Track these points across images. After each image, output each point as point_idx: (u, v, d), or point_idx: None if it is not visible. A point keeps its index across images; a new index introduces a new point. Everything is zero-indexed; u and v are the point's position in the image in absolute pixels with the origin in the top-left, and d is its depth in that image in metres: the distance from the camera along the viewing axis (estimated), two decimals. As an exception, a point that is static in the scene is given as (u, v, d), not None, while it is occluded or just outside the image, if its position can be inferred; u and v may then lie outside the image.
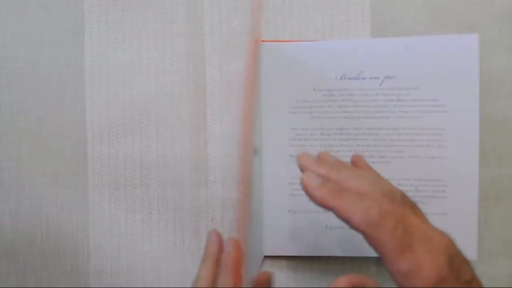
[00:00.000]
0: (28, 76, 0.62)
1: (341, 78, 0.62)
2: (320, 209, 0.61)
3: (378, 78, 0.61)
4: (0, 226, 0.63)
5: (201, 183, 0.62)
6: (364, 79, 0.62)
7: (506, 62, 0.65)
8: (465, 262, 0.43)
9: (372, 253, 0.64)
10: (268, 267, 0.64)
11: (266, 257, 0.63)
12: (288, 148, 0.62)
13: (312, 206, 0.62)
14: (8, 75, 0.63)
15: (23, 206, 0.63)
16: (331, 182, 0.45)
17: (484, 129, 0.65)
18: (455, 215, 0.61)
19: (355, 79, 0.62)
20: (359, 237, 0.63)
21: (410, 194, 0.59)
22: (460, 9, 0.65)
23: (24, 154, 0.63)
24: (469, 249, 0.61)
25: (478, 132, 0.61)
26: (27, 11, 0.63)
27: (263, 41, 0.63)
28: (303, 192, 0.58)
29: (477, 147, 0.61)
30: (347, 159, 0.61)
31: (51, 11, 0.63)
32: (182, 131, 0.62)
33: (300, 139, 0.62)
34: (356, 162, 0.52)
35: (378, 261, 0.64)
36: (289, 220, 0.62)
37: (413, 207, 0.45)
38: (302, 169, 0.48)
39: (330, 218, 0.63)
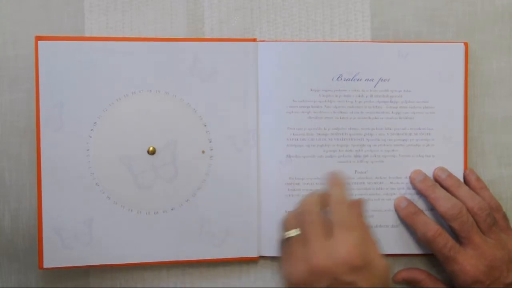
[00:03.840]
0: (28, 76, 0.63)
1: (337, 79, 0.64)
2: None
3: (373, 80, 0.64)
4: (0, 226, 0.63)
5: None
6: (360, 80, 0.64)
7: (506, 62, 0.67)
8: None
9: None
10: (268, 267, 0.65)
11: (264, 257, 0.64)
12: (285, 148, 0.63)
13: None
14: (8, 75, 0.63)
15: (23, 206, 0.64)
16: (413, 206, 0.63)
17: (484, 129, 0.66)
18: None
19: (351, 80, 0.64)
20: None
21: (401, 192, 0.64)
22: (460, 9, 0.66)
23: (24, 154, 0.63)
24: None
25: (463, 132, 0.65)
26: (27, 11, 0.63)
27: (260, 40, 0.64)
28: (300, 193, 0.64)
29: (461, 146, 0.65)
30: (343, 159, 0.64)
31: (51, 11, 0.64)
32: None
33: (297, 139, 0.63)
34: (467, 175, 0.65)
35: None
36: (286, 220, 0.63)
37: (491, 226, 0.60)
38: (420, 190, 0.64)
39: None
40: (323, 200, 0.56)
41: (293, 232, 0.55)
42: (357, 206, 0.57)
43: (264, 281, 0.65)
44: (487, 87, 0.67)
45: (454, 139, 0.65)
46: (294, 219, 0.56)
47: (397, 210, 0.64)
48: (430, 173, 0.64)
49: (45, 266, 0.61)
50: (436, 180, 0.64)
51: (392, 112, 0.64)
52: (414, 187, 0.64)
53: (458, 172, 0.64)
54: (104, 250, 0.62)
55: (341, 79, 0.64)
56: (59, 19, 0.64)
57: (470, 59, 0.65)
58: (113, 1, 0.64)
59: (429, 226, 0.61)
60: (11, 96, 0.63)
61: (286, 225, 0.56)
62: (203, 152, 0.63)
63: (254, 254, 0.64)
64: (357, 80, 0.64)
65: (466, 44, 0.65)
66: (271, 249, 0.64)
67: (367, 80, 0.64)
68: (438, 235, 0.60)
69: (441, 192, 0.62)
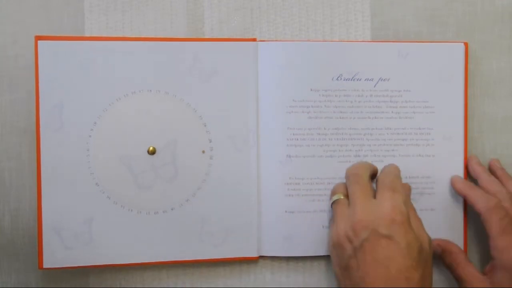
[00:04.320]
0: (28, 76, 0.63)
1: (337, 79, 0.64)
2: (317, 209, 0.64)
3: (372, 79, 0.64)
4: (0, 226, 0.63)
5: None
6: (359, 80, 0.64)
7: (506, 62, 0.67)
8: None
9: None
10: (268, 267, 0.65)
11: (264, 257, 0.65)
12: (285, 148, 0.63)
13: (309, 206, 0.64)
14: (8, 75, 0.63)
15: (23, 206, 0.64)
16: (469, 181, 0.64)
17: (484, 129, 0.66)
18: (442, 210, 0.65)
19: (351, 80, 0.64)
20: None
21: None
22: (460, 9, 0.67)
23: (24, 154, 0.63)
24: (455, 242, 0.65)
25: (463, 132, 0.65)
26: (27, 11, 0.63)
27: (260, 40, 0.64)
28: (300, 193, 0.64)
29: (461, 146, 0.65)
30: (343, 158, 0.65)
31: (51, 11, 0.64)
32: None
33: (297, 139, 0.63)
34: (493, 165, 0.66)
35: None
36: (286, 220, 0.64)
37: None
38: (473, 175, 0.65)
39: (327, 218, 0.65)
40: (373, 170, 0.61)
41: (340, 196, 0.60)
42: (406, 186, 0.60)
43: (264, 281, 0.65)
44: (487, 87, 0.67)
45: (454, 139, 0.65)
46: (342, 184, 0.61)
47: (454, 184, 0.64)
48: (429, 173, 0.65)
49: (45, 266, 0.61)
50: (491, 167, 0.65)
51: (392, 112, 0.64)
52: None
53: (458, 172, 0.65)
54: (104, 250, 0.62)
55: (341, 79, 0.64)
56: (59, 19, 0.64)
57: (470, 59, 0.65)
58: (113, 1, 0.64)
59: (490, 197, 0.61)
60: (11, 96, 0.63)
61: (334, 191, 0.61)
62: (203, 152, 0.63)
63: (254, 254, 0.64)
64: (357, 80, 0.64)
65: (466, 44, 0.65)
66: (271, 249, 0.64)
67: (367, 80, 0.64)
68: (499, 206, 0.60)
69: (491, 177, 0.63)
